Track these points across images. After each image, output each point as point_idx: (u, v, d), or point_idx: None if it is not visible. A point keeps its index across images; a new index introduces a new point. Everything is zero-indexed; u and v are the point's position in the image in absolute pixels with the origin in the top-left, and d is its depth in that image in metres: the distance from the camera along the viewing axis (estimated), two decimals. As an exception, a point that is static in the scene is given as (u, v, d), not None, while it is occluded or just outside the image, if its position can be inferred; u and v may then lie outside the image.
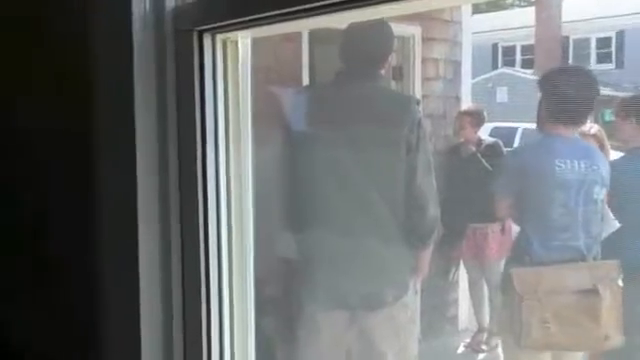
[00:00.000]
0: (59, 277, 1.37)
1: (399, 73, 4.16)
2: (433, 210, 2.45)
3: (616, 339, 2.53)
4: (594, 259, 2.61)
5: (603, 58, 8.87)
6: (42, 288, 1.47)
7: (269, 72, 3.37)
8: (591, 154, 2.68)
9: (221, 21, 1.02)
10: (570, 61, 8.66)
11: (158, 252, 1.06)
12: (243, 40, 1.11)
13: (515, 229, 3.68)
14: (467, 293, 4.33)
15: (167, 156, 1.07)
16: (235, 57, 1.11)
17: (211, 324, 1.05)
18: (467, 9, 4.62)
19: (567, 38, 8.14)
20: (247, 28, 1.06)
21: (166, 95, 1.06)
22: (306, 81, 3.83)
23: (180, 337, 1.08)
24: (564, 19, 6.54)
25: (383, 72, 2.65)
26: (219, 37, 1.08)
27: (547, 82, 2.78)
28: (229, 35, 1.08)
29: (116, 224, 1.11)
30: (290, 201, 2.56)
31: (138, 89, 1.04)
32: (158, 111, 1.06)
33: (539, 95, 2.78)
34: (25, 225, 1.50)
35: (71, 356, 1.35)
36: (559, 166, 2.58)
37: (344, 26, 2.51)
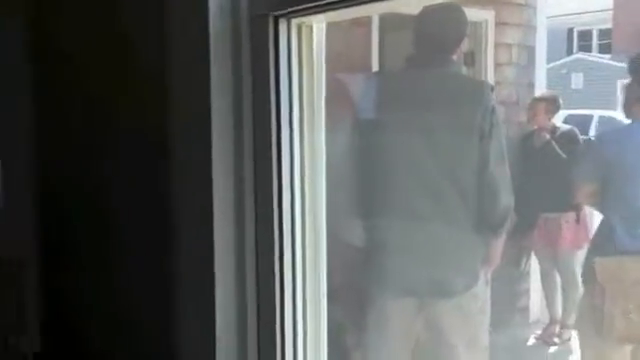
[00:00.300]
0: (134, 279, 1.40)
1: (471, 59, 4.08)
2: (506, 199, 2.40)
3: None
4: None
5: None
6: (117, 298, 1.51)
7: (338, 58, 3.36)
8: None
9: (297, 5, 1.02)
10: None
11: (233, 236, 1.06)
12: (318, 25, 1.10)
13: (591, 218, 3.57)
14: (538, 284, 4.24)
15: (242, 142, 1.07)
16: (310, 42, 1.10)
17: (284, 310, 1.06)
18: (542, -7, 4.50)
19: (647, 21, 7.83)
20: (322, 12, 1.05)
21: (242, 81, 1.06)
22: (376, 67, 3.81)
23: (254, 329, 1.08)
24: (644, 2, 6.29)
25: (455, 58, 2.60)
26: (294, 22, 1.07)
27: (638, 66, 2.68)
28: (304, 20, 1.07)
29: (192, 209, 1.13)
30: (359, 188, 2.55)
31: (214, 75, 1.04)
32: (234, 97, 1.06)
33: (627, 80, 2.69)
34: (102, 227, 1.54)
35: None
36: (650, 152, 2.51)
37: (416, 11, 2.48)
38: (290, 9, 1.04)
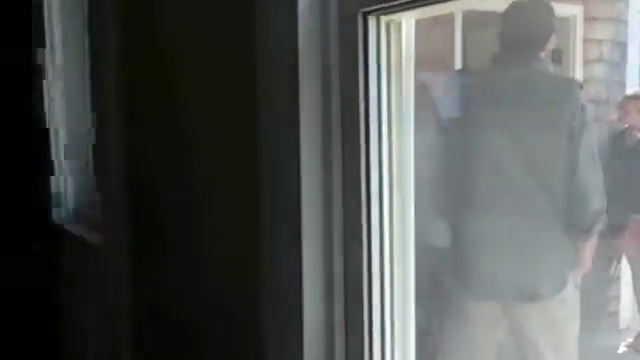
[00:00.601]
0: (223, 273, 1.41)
1: (559, 56, 3.96)
2: (598, 201, 2.31)
3: None
4: None
5: None
6: (205, 284, 1.52)
7: (419, 57, 3.32)
8: None
9: (387, 2, 1.00)
10: None
11: (320, 238, 1.05)
12: (407, 21, 1.08)
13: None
14: (629, 289, 4.08)
15: (330, 141, 1.06)
16: (399, 39, 1.08)
17: (373, 316, 1.04)
18: (634, -14, 4.32)
19: None
20: (412, 9, 1.03)
21: (330, 79, 1.05)
22: (458, 66, 3.74)
23: (342, 332, 1.07)
24: None
25: (543, 55, 2.53)
26: (383, 19, 1.05)
27: None
28: (393, 17, 1.06)
29: (280, 210, 1.12)
30: (441, 189, 2.51)
31: (302, 73, 1.04)
32: (322, 94, 1.05)
33: None
34: (183, 221, 1.56)
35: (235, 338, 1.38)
36: None
37: (501, 8, 2.43)
38: (379, 6, 1.02)
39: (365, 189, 1.05)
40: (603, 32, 4.22)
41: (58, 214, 2.58)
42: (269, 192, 1.16)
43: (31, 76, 2.61)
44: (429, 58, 3.48)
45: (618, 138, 3.97)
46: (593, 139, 2.38)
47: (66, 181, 2.60)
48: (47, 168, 2.57)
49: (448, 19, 3.65)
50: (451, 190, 2.45)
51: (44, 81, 2.53)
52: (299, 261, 1.05)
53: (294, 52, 1.04)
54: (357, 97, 1.03)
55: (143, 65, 1.83)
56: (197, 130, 1.53)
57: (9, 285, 3.22)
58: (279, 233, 1.13)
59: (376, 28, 1.05)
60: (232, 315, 1.43)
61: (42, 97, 2.53)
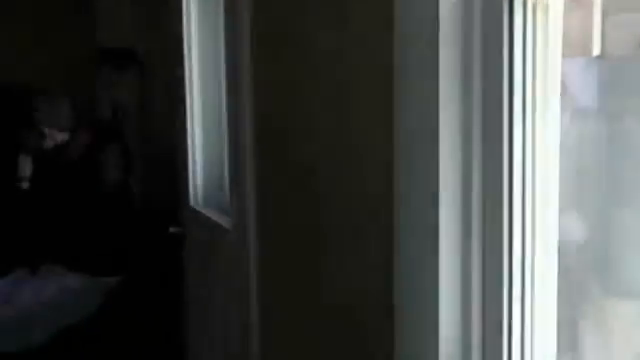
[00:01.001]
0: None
1: None
2: None
3: None
4: None
5: None
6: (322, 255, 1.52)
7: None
8: None
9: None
10: None
11: (459, 229, 1.02)
12: (554, 3, 1.02)
13: None
14: None
15: (470, 130, 1.02)
16: (545, 23, 1.02)
17: (512, 313, 0.99)
18: None
19: None
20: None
21: (472, 64, 1.01)
22: (597, 52, 3.56)
23: (478, 331, 1.04)
24: None
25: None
26: (530, 1, 1.00)
27: None
28: (540, -1, 1.00)
29: (417, 204, 1.09)
30: (578, 180, 2.39)
31: (443, 59, 1.00)
32: (462, 79, 1.01)
33: None
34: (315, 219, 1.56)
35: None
36: None
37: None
38: (527, -13, 0.97)
39: (507, 184, 1.00)
40: None
41: (194, 198, 2.66)
42: (406, 183, 1.13)
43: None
44: (565, 44, 3.34)
45: None
46: None
47: (197, 165, 2.68)
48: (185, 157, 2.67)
49: (587, 2, 3.47)
50: (588, 181, 2.33)
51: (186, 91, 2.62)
52: (435, 255, 1.02)
53: (434, 37, 1.00)
54: (501, 85, 0.98)
55: (276, 63, 1.85)
56: (329, 117, 1.53)
57: (148, 265, 3.38)
58: (415, 231, 1.10)
59: (522, 10, 0.99)
60: (361, 321, 1.42)
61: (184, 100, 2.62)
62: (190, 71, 2.61)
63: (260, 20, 1.91)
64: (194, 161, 2.65)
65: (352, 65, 1.36)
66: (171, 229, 2.74)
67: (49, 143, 3.03)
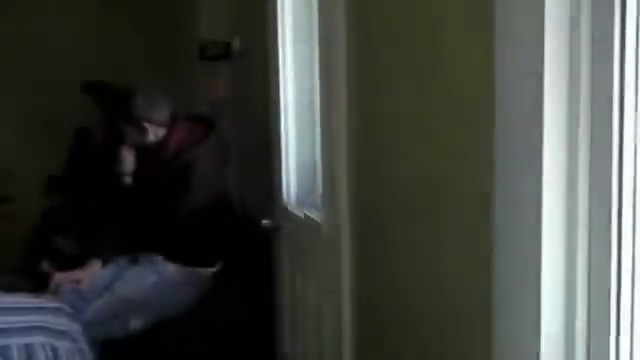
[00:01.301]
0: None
1: None
2: None
3: None
4: None
5: None
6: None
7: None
8: None
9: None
10: None
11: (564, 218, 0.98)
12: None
13: None
14: None
15: (577, 114, 0.98)
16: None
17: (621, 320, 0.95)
18: None
19: None
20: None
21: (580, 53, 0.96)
22: None
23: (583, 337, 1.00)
24: None
25: None
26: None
27: None
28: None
29: (519, 197, 1.06)
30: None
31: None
32: (569, 77, 0.97)
33: None
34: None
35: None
36: None
37: None
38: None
39: (617, 176, 0.95)
40: None
41: (287, 195, 2.69)
42: (505, 180, 1.10)
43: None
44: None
45: None
46: None
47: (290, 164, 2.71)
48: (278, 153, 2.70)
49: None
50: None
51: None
52: (538, 258, 0.99)
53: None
54: (611, 82, 0.94)
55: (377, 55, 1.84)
56: (427, 117, 1.51)
57: (242, 256, 3.45)
58: (516, 230, 1.07)
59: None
60: (458, 313, 1.40)
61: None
62: (284, 68, 2.63)
63: (356, 22, 1.91)
64: (287, 157, 2.67)
65: (455, 69, 1.34)
66: (264, 223, 2.77)
67: (150, 138, 3.12)
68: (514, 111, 1.04)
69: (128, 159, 3.14)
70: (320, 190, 2.42)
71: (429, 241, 1.53)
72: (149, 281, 3.10)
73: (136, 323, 3.09)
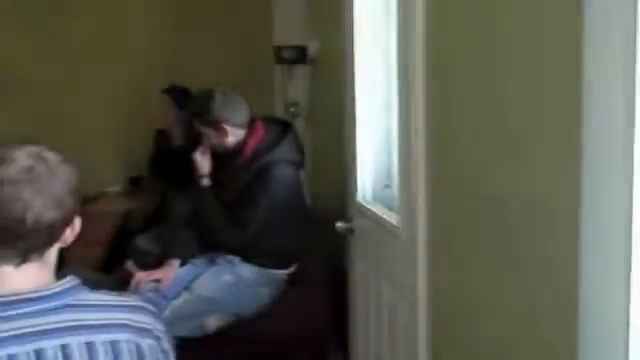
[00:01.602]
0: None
1: None
2: None
3: None
4: None
5: None
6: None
7: None
8: None
9: None
10: None
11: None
12: None
13: None
14: None
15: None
16: None
17: None
18: None
19: None
20: None
21: None
22: None
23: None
24: None
25: None
26: None
27: None
28: None
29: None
30: None
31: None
32: None
33: None
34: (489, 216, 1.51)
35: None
36: None
37: None
38: None
39: None
40: None
41: (362, 194, 2.69)
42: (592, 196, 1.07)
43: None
44: None
45: None
46: None
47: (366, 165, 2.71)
48: (354, 153, 2.71)
49: None
50: None
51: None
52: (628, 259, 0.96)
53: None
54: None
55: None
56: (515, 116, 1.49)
57: (316, 259, 3.47)
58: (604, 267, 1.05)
59: None
60: (538, 321, 1.37)
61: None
62: (360, 70, 2.64)
63: (434, 32, 1.90)
64: (362, 157, 2.67)
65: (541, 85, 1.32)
66: (338, 224, 2.78)
67: (230, 141, 3.17)
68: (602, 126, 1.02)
69: (205, 162, 3.19)
70: (396, 190, 2.42)
71: (510, 253, 1.51)
72: (226, 281, 3.16)
73: (213, 322, 3.14)
